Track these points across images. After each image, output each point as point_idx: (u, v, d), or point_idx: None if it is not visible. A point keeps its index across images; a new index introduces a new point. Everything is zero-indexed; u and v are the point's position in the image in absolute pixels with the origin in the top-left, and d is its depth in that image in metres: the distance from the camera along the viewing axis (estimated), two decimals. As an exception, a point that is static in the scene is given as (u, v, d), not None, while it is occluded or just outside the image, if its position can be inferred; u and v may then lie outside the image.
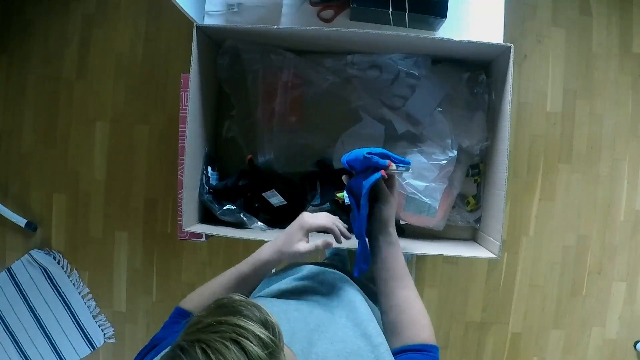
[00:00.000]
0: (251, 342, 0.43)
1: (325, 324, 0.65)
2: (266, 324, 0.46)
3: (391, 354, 0.63)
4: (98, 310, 2.03)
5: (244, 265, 0.77)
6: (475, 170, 1.16)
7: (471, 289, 1.93)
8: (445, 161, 1.08)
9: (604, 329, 1.91)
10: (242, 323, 0.44)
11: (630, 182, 1.89)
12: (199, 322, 0.46)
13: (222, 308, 0.47)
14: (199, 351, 0.42)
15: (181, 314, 0.74)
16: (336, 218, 0.83)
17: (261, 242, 0.84)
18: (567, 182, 1.89)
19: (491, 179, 1.11)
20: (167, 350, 0.46)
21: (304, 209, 1.13)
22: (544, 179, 1.90)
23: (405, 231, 1.20)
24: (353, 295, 0.74)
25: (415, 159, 1.10)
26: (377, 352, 0.62)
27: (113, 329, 2.03)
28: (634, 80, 1.88)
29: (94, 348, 2.02)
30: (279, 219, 1.14)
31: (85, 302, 2.02)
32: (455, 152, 1.09)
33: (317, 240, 0.79)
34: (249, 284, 0.76)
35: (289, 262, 0.81)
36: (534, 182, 1.90)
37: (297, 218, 0.79)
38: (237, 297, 0.49)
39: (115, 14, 2.00)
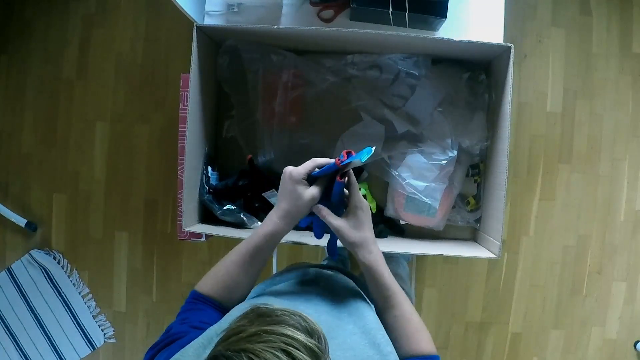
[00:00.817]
0: (301, 352, 0.42)
1: (334, 330, 0.64)
2: (312, 333, 0.46)
3: None
4: (98, 310, 2.03)
5: (256, 238, 0.72)
6: (475, 170, 1.16)
7: (471, 289, 1.93)
8: (445, 161, 1.08)
9: (604, 329, 1.91)
10: (289, 332, 0.44)
11: (630, 182, 1.89)
12: (240, 331, 0.45)
13: (264, 317, 0.46)
14: None
15: (198, 298, 0.72)
16: (314, 159, 0.75)
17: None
18: (567, 182, 1.89)
19: (491, 179, 1.11)
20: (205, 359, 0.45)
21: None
22: (544, 179, 1.90)
23: (405, 231, 1.20)
24: (360, 302, 0.73)
25: (415, 159, 1.10)
26: None
27: (113, 329, 2.03)
28: (634, 80, 1.88)
29: (94, 348, 2.02)
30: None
31: (85, 302, 2.02)
32: (455, 152, 1.09)
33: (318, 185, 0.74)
34: (262, 257, 0.73)
35: (304, 216, 0.74)
36: (534, 182, 1.90)
37: (282, 178, 0.73)
38: (276, 306, 0.48)
39: (115, 14, 2.00)
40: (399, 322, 0.70)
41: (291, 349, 0.42)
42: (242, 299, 0.75)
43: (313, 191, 0.72)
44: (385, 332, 0.67)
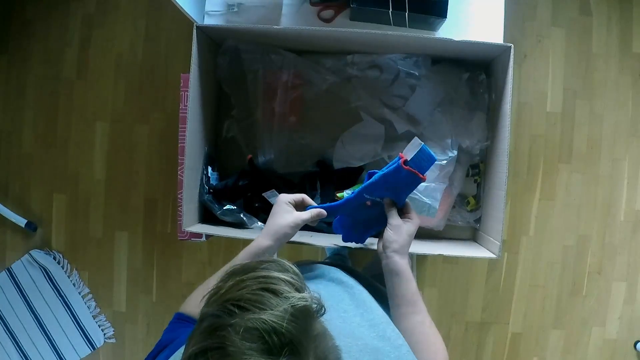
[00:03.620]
0: (280, 285, 0.43)
1: (341, 325, 0.64)
2: (285, 269, 0.47)
3: (414, 355, 0.62)
4: (98, 310, 2.03)
5: (241, 258, 0.75)
6: (475, 170, 1.16)
7: (471, 289, 1.93)
8: (445, 161, 1.08)
9: (604, 329, 1.91)
10: (264, 273, 0.45)
11: (630, 182, 1.89)
12: (219, 289, 0.45)
13: (239, 272, 0.47)
14: (234, 309, 0.41)
15: (182, 319, 0.72)
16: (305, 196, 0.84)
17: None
18: (567, 182, 1.89)
19: (491, 179, 1.11)
20: (198, 328, 0.45)
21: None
22: (544, 179, 1.90)
23: (405, 231, 1.19)
24: (366, 296, 0.73)
25: (415, 159, 1.10)
26: (399, 352, 0.61)
27: (113, 329, 2.03)
28: (634, 80, 1.88)
29: (94, 348, 2.02)
30: (279, 219, 1.14)
31: (85, 302, 2.02)
32: (456, 152, 1.09)
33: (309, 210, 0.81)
34: None
35: (289, 239, 0.79)
36: (534, 182, 1.90)
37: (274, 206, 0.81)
38: (250, 262, 0.49)
39: (115, 14, 2.00)
40: (419, 328, 0.72)
41: (270, 284, 0.43)
42: None
43: (298, 215, 0.77)
44: (395, 326, 0.67)
